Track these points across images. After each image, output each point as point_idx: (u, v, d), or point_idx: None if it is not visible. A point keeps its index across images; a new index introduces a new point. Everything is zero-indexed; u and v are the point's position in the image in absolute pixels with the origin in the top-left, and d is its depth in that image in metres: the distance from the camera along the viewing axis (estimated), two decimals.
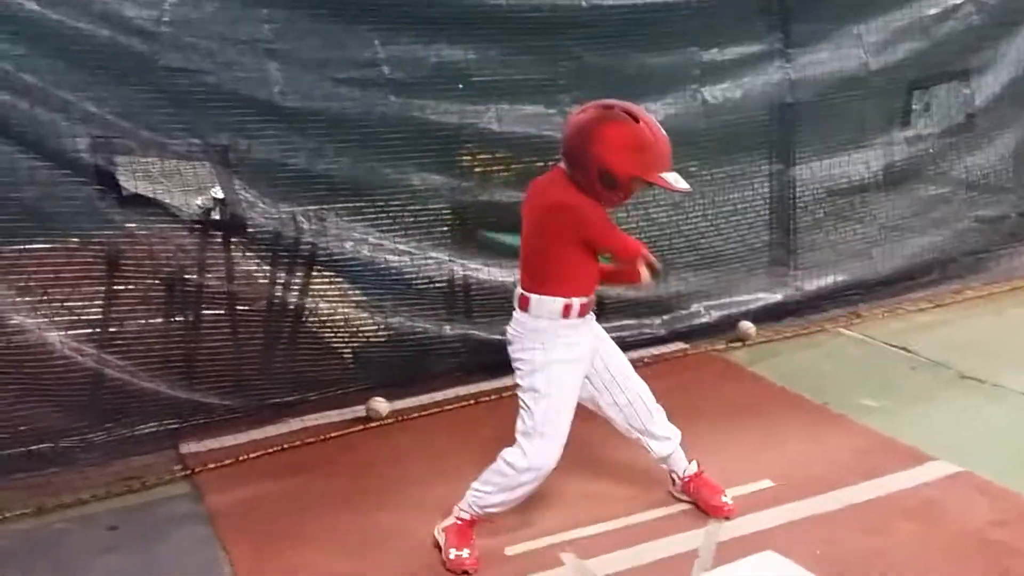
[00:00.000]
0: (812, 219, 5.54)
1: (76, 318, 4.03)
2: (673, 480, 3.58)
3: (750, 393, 4.64)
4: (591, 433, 3.83)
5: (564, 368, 3.19)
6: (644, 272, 3.13)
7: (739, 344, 5.19)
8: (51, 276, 3.99)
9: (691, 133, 5.02)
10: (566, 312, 3.14)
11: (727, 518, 3.46)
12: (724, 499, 3.50)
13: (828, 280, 5.57)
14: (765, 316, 5.38)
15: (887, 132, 5.63)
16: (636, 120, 3.00)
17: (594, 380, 3.36)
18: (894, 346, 5.08)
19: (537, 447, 3.17)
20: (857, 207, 5.64)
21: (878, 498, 3.57)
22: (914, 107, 5.80)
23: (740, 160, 5.29)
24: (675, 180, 3.04)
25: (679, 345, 5.15)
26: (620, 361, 3.41)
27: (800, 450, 3.98)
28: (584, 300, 3.17)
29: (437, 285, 4.70)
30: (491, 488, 3.23)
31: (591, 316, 3.27)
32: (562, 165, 3.11)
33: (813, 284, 5.54)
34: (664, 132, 3.04)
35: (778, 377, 4.74)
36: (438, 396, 4.57)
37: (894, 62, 5.45)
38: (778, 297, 5.47)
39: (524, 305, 3.16)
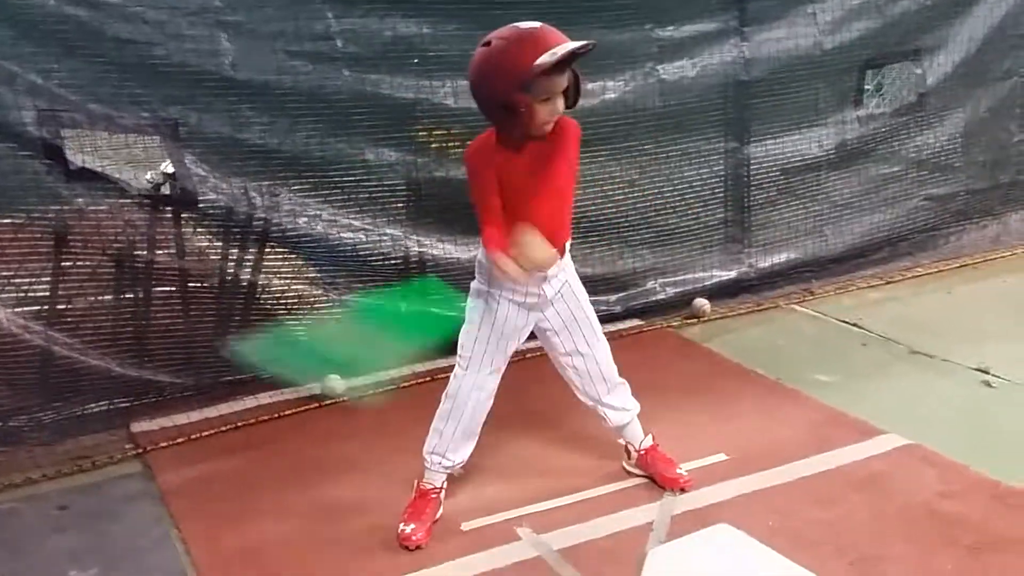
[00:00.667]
0: (766, 197, 5.57)
1: (23, 295, 3.95)
2: (628, 453, 3.59)
3: (705, 369, 4.67)
4: (545, 406, 3.86)
5: (490, 304, 3.25)
6: (499, 261, 2.96)
7: (694, 321, 5.22)
8: None
9: (647, 110, 5.03)
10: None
11: (683, 490, 3.48)
12: (679, 471, 3.53)
13: (781, 257, 5.62)
14: (720, 293, 5.42)
15: (840, 111, 5.66)
16: (496, 39, 2.93)
17: (554, 341, 3.38)
18: (846, 322, 5.14)
19: (455, 372, 3.31)
20: (810, 185, 5.68)
21: (830, 470, 3.62)
22: (867, 86, 5.83)
23: (695, 138, 5.29)
24: (558, 50, 2.85)
25: (635, 322, 5.17)
26: (584, 326, 3.38)
27: (754, 424, 4.02)
28: None
29: (392, 262, 4.66)
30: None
31: (541, 274, 3.18)
32: None
33: (767, 261, 5.58)
34: (545, 27, 2.92)
35: (732, 353, 4.78)
36: (393, 373, 4.54)
37: (848, 41, 5.47)
38: (732, 274, 5.50)
39: None
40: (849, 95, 5.71)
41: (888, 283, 5.71)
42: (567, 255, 3.30)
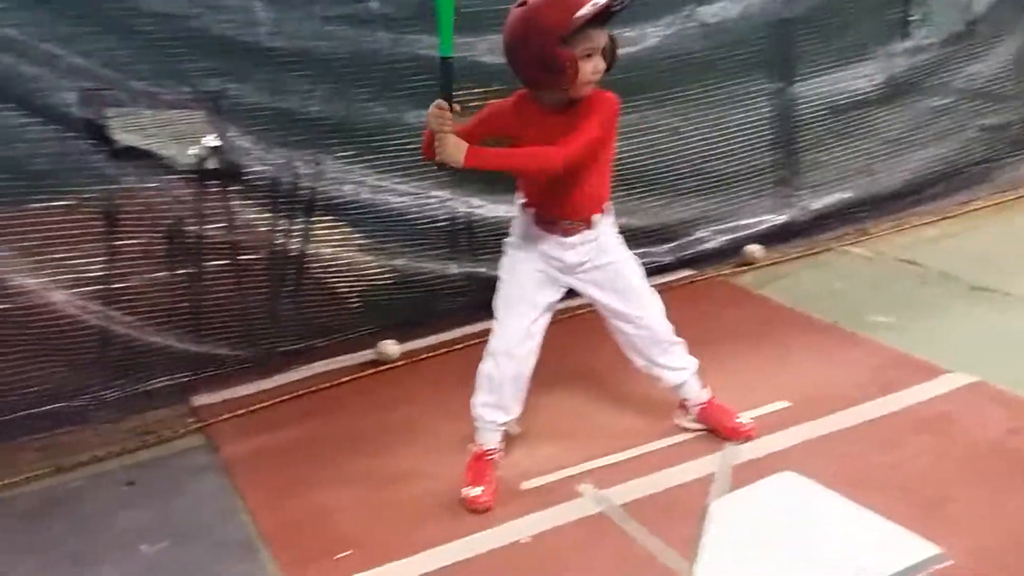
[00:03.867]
0: (814, 137, 5.46)
1: (78, 276, 3.98)
2: (686, 409, 3.54)
3: (760, 316, 4.61)
4: (597, 362, 3.84)
5: (517, 258, 3.27)
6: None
7: (746, 268, 5.16)
8: (49, 235, 3.93)
9: (689, 55, 4.93)
10: (524, 214, 3.24)
11: (748, 439, 3.44)
12: (740, 420, 3.49)
13: (833, 198, 5.51)
14: (772, 238, 5.34)
15: (887, 44, 5.52)
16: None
17: (598, 306, 3.36)
18: (903, 261, 5.05)
19: (494, 330, 3.29)
20: (860, 122, 5.55)
21: (893, 413, 3.56)
22: (913, 17, 5.68)
23: (740, 80, 5.18)
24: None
25: (686, 272, 5.12)
26: (628, 294, 3.34)
27: (813, 370, 3.97)
28: (539, 213, 3.20)
29: (440, 224, 4.65)
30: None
31: (578, 237, 3.20)
32: None
33: (818, 203, 5.48)
34: None
35: (788, 299, 4.71)
36: (446, 336, 4.55)
37: None
38: (783, 218, 5.41)
39: None
40: (896, 27, 5.57)
41: (944, 219, 5.59)
42: (602, 225, 3.24)
